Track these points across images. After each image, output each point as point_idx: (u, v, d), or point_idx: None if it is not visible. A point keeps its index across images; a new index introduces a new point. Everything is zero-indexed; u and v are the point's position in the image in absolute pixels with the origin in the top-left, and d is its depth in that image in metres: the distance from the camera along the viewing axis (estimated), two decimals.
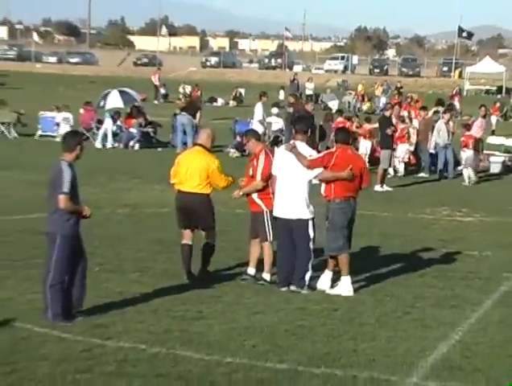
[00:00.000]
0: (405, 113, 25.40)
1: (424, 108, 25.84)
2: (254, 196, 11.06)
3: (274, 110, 27.05)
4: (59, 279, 8.90)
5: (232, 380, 7.65)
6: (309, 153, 10.91)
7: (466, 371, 8.05)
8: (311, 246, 10.86)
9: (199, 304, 10.39)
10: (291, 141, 11.29)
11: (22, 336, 8.83)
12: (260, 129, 22.30)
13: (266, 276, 11.17)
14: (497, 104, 43.61)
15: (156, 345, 8.54)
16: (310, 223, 10.71)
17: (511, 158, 25.27)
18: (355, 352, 8.61)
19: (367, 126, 24.66)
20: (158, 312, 10.04)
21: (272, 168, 10.89)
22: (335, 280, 11.26)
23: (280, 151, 11.52)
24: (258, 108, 26.07)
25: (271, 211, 10.90)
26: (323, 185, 11.04)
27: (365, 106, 48.79)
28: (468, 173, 22.70)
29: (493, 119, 32.68)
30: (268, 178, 10.89)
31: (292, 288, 10.81)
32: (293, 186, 10.74)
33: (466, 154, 23.12)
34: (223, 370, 7.88)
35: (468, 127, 23.88)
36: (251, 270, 11.28)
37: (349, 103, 46.18)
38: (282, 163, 10.88)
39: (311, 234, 10.77)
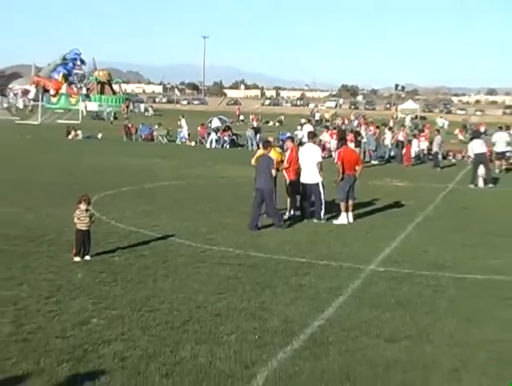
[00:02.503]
0: (362, 128, 39.87)
1: (378, 127, 40.44)
2: (284, 171, 17.04)
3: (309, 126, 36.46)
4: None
5: (278, 267, 11.88)
6: (318, 151, 17.34)
7: (399, 262, 12.62)
8: (323, 197, 16.60)
9: (261, 230, 15.44)
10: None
11: (170, 243, 13.44)
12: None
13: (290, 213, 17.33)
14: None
15: (239, 249, 13.11)
16: (320, 184, 16.52)
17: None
18: (341, 253, 13.21)
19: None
20: (241, 232, 14.96)
21: (297, 157, 16.79)
22: (336, 215, 16.87)
23: (303, 148, 17.76)
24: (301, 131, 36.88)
25: (289, 180, 17.11)
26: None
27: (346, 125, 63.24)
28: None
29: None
30: (291, 162, 16.81)
31: (314, 220, 16.66)
32: (308, 166, 16.68)
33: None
34: (274, 262, 12.29)
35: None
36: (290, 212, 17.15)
37: (338, 124, 57.32)
38: (304, 155, 16.86)
39: (322, 190, 16.53)
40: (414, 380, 7.24)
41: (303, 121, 48.77)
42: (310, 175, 16.80)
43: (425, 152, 38.11)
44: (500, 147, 31.43)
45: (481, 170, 26.52)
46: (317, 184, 16.78)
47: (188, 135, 46.15)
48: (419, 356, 7.92)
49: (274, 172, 16.07)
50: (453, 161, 36.72)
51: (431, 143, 37.05)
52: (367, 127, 39.84)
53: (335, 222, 16.70)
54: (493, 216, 19.18)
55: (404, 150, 36.00)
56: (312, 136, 18.58)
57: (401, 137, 37.01)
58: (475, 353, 8.17)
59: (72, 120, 60.34)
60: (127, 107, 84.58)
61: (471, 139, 29.83)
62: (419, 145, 38.33)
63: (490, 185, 26.18)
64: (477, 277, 11.83)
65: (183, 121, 47.62)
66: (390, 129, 40.12)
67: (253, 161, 16.79)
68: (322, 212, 16.79)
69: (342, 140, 20.28)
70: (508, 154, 33.25)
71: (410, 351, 8.08)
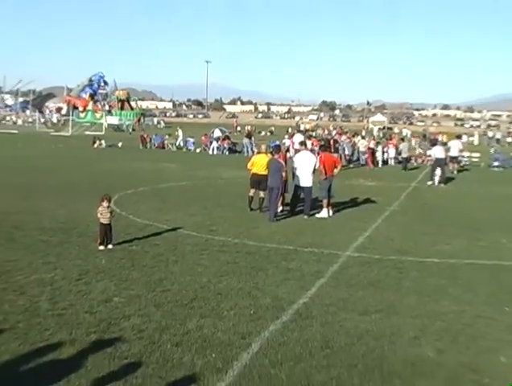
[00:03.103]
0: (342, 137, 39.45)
1: (353, 135, 41.79)
2: None
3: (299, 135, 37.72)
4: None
5: (269, 254, 11.91)
6: (313, 158, 17.02)
7: (370, 249, 12.60)
8: (312, 197, 16.63)
9: (256, 222, 15.43)
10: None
11: (179, 234, 13.41)
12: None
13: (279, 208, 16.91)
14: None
15: (236, 239, 13.11)
16: (312, 187, 16.50)
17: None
18: (322, 242, 13.17)
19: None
20: (238, 225, 14.88)
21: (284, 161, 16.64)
22: (319, 211, 16.78)
23: (299, 155, 17.31)
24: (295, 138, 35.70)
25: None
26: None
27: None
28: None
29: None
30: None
31: (304, 216, 16.44)
32: (304, 171, 16.57)
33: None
34: (266, 249, 12.31)
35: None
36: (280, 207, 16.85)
37: (319, 133, 59.10)
38: (300, 161, 16.75)
39: (312, 192, 16.57)
40: (382, 347, 7.31)
41: (290, 130, 49.23)
42: (305, 179, 16.73)
43: (392, 157, 38.28)
44: (454, 152, 32.54)
45: (438, 171, 27.30)
46: (310, 187, 16.78)
47: (185, 142, 46.85)
48: (386, 327, 8.00)
49: (284, 174, 16.31)
50: (415, 164, 36.84)
51: (397, 149, 37.70)
52: (343, 136, 40.38)
53: (317, 216, 16.66)
54: (446, 210, 19.27)
55: (367, 156, 36.45)
56: (303, 144, 18.65)
57: (372, 144, 37.59)
58: (432, 323, 8.26)
59: (97, 131, 60.50)
60: (138, 121, 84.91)
61: (432, 146, 31.51)
62: (387, 151, 38.63)
63: (442, 185, 26.90)
64: (435, 261, 11.93)
65: (179, 132, 48.70)
66: (363, 137, 41.06)
67: (250, 165, 17.02)
68: (308, 209, 16.71)
69: (322, 147, 20.31)
70: (459, 158, 34.86)
71: (380, 323, 8.14)
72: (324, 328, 7.85)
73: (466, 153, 41.09)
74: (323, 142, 28.52)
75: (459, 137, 38.19)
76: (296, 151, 31.50)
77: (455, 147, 33.07)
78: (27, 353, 6.75)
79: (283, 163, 16.47)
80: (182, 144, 46.90)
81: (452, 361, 7.00)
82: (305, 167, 16.76)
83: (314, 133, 60.48)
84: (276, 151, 16.92)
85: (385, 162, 37.85)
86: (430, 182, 27.20)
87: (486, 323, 8.33)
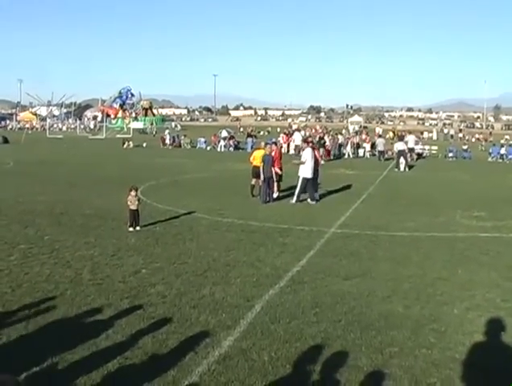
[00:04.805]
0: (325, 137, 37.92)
1: (336, 134, 41.43)
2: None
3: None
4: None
5: (268, 231, 11.83)
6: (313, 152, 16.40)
7: (351, 226, 12.57)
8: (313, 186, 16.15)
9: (257, 206, 15.35)
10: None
11: (194, 217, 13.27)
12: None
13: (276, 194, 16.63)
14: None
15: (241, 220, 13.02)
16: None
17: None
18: (311, 221, 13.08)
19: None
20: (243, 208, 14.80)
21: (280, 155, 16.83)
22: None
23: (306, 151, 16.59)
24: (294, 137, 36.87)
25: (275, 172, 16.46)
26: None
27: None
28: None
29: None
30: (275, 159, 16.39)
31: (309, 200, 16.04)
32: (310, 164, 16.11)
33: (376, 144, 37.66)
34: (265, 228, 12.23)
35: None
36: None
37: (308, 134, 55.82)
38: (305, 156, 16.26)
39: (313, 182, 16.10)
40: (361, 305, 7.33)
41: (286, 130, 49.33)
42: (309, 171, 16.20)
43: (368, 151, 38.58)
44: (410, 144, 34.58)
45: (402, 160, 28.88)
46: (316, 178, 16.55)
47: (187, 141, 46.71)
48: (364, 288, 8.01)
49: (276, 166, 16.32)
50: (386, 156, 36.65)
51: (372, 145, 38.15)
52: (328, 134, 40.68)
53: (310, 202, 16.23)
54: (412, 193, 19.28)
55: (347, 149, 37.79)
56: (306, 142, 18.13)
57: (357, 139, 39.98)
58: (401, 284, 8.28)
59: (126, 134, 60.23)
60: (151, 124, 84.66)
61: (398, 141, 32.32)
62: (362, 146, 39.65)
63: (407, 170, 28.45)
64: (403, 234, 11.94)
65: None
66: (341, 134, 42.52)
67: (252, 159, 16.90)
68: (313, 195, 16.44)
69: (310, 143, 19.80)
70: (419, 150, 38.32)
71: (359, 285, 8.16)
72: (314, 291, 7.86)
73: (427, 146, 41.93)
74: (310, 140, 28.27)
75: (410, 132, 41.05)
76: (296, 147, 31.67)
77: (411, 140, 35.45)
78: (74, 315, 6.78)
79: (273, 157, 16.23)
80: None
81: (417, 314, 7.02)
82: (310, 161, 16.29)
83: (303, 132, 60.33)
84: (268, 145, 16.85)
85: (361, 155, 38.27)
86: (396, 169, 28.43)
87: (443, 283, 8.36)
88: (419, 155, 37.57)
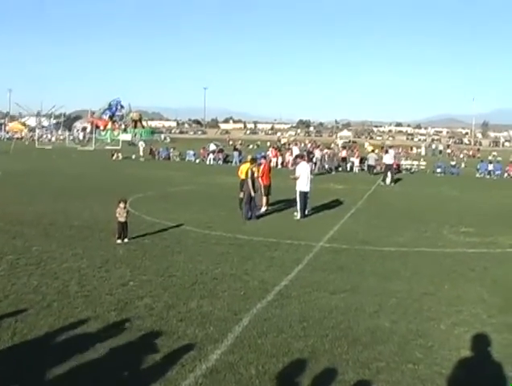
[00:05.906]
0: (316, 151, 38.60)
1: (327, 148, 41.85)
2: (259, 179, 16.50)
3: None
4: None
5: (256, 245, 11.80)
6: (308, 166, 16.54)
7: (339, 240, 12.55)
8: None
9: (246, 220, 15.27)
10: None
11: (182, 230, 13.30)
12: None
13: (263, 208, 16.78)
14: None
15: (229, 233, 13.01)
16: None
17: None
18: (300, 235, 13.04)
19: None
20: (230, 222, 14.76)
21: (268, 169, 16.94)
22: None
23: (301, 165, 16.55)
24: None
25: (263, 185, 16.84)
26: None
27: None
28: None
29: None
30: (263, 173, 16.88)
31: (296, 217, 15.75)
32: (306, 178, 16.01)
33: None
34: (253, 241, 12.18)
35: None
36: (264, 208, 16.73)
37: (310, 145, 58.32)
38: (302, 170, 16.18)
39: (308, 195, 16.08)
40: (348, 319, 7.34)
41: (274, 145, 49.63)
42: (306, 185, 16.09)
43: (357, 166, 39.03)
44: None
45: (389, 174, 29.60)
46: (308, 191, 16.36)
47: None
48: (351, 303, 8.01)
49: (261, 180, 16.43)
50: (375, 171, 37.01)
51: (361, 160, 38.49)
52: (317, 150, 40.64)
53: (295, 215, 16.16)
54: (400, 208, 19.41)
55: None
56: (301, 157, 17.99)
57: (344, 154, 40.21)
58: (388, 300, 8.27)
59: (115, 146, 60.10)
60: (135, 135, 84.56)
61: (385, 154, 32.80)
62: (349, 160, 40.39)
63: (393, 184, 29.06)
64: (390, 249, 11.96)
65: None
66: (331, 149, 43.31)
67: (240, 172, 16.77)
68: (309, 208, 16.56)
69: (299, 157, 19.80)
70: (406, 166, 40.11)
71: (346, 300, 8.16)
72: (302, 305, 7.85)
73: (415, 162, 42.31)
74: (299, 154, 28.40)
75: (391, 147, 40.25)
76: (294, 161, 31.52)
77: (391, 155, 35.39)
78: (61, 326, 6.74)
79: (254, 172, 15.95)
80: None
81: (404, 329, 7.03)
82: (306, 175, 16.19)
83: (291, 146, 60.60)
84: (251, 161, 16.39)
85: (351, 169, 38.63)
86: (382, 183, 29.03)
87: (430, 299, 8.39)
88: (407, 170, 38.81)
